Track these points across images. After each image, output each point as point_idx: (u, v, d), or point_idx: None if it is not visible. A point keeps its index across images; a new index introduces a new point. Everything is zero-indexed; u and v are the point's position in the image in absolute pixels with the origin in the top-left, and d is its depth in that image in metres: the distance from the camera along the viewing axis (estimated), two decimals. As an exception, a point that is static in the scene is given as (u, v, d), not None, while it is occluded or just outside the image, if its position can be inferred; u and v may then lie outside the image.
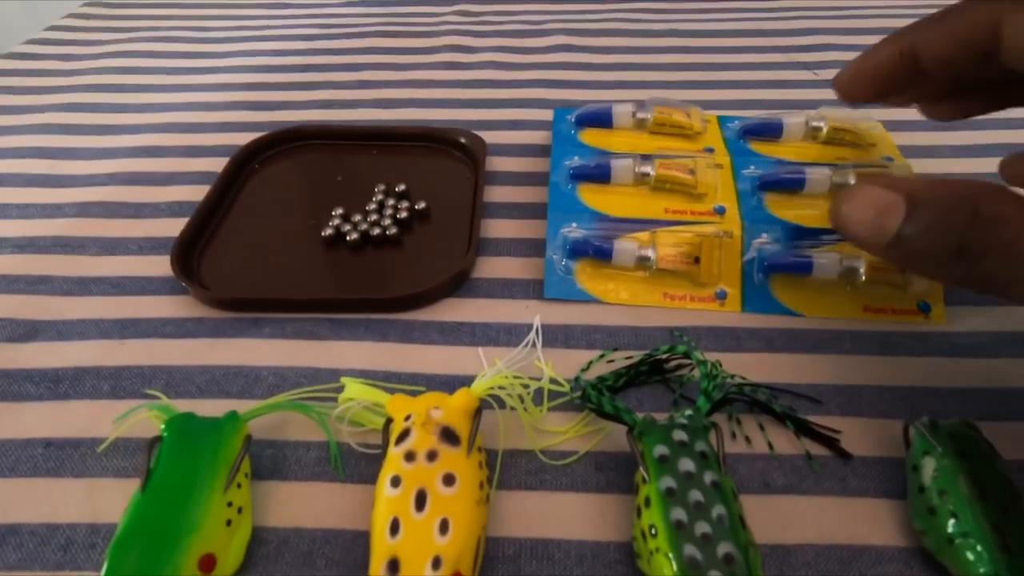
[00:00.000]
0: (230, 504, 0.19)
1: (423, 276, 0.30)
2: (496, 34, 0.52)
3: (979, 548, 0.18)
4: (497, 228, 0.33)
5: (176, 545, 0.18)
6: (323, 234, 0.32)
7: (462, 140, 0.38)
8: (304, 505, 0.22)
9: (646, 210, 0.30)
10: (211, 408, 0.23)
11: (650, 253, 0.28)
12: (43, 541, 0.21)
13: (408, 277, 0.30)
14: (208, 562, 0.18)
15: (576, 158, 0.33)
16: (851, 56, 0.23)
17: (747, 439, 0.23)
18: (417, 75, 0.47)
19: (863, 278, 0.27)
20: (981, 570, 0.18)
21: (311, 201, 0.35)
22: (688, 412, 0.21)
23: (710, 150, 0.34)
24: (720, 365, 0.24)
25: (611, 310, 0.28)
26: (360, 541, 0.21)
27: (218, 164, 0.38)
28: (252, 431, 0.22)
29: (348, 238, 0.32)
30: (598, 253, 0.29)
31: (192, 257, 0.31)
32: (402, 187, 0.35)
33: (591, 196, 0.31)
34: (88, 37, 0.54)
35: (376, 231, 0.32)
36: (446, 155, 0.38)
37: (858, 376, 0.25)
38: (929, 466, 0.20)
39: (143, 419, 0.22)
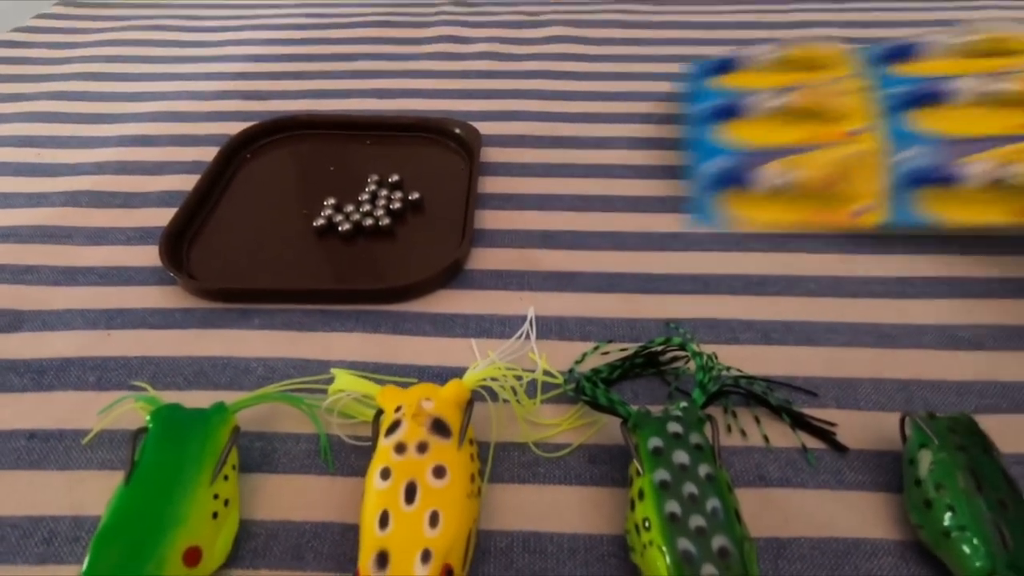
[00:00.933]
0: (216, 497, 0.19)
1: (416, 267, 0.29)
2: (492, 24, 0.51)
3: (976, 542, 0.18)
4: (492, 219, 0.32)
5: (160, 538, 0.17)
6: (315, 224, 0.32)
7: (457, 131, 0.38)
8: (293, 498, 0.21)
9: (784, 137, 0.30)
10: (199, 399, 0.23)
11: (790, 177, 0.28)
12: (25, 534, 0.20)
13: (401, 268, 0.30)
14: (193, 555, 0.18)
15: (711, 100, 0.33)
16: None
17: (742, 432, 0.23)
18: (411, 65, 0.46)
19: (1017, 179, 0.26)
20: (977, 564, 0.18)
21: (303, 191, 0.34)
22: (683, 404, 0.21)
23: (850, 76, 0.33)
24: (716, 357, 0.24)
25: (605, 300, 0.28)
26: (349, 534, 0.20)
27: (209, 153, 0.37)
28: (241, 423, 0.22)
29: (340, 228, 0.31)
30: (738, 181, 0.28)
31: (181, 247, 0.30)
32: (395, 177, 0.35)
33: (732, 131, 0.31)
34: (78, 25, 0.53)
35: (369, 221, 0.32)
36: (440, 146, 0.38)
37: (854, 369, 0.25)
38: (926, 459, 0.20)
39: (128, 411, 0.22)
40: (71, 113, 0.41)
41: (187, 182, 0.35)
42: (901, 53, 0.33)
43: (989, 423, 0.21)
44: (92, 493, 0.21)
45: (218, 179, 0.35)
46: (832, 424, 0.23)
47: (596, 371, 0.24)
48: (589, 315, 0.27)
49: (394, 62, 0.46)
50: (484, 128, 0.39)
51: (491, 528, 0.20)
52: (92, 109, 0.42)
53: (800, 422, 0.23)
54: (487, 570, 0.20)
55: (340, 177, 0.35)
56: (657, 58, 0.46)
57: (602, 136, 0.38)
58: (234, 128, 0.39)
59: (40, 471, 0.22)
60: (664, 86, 0.43)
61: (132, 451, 0.19)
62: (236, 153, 0.37)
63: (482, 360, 0.22)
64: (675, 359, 0.25)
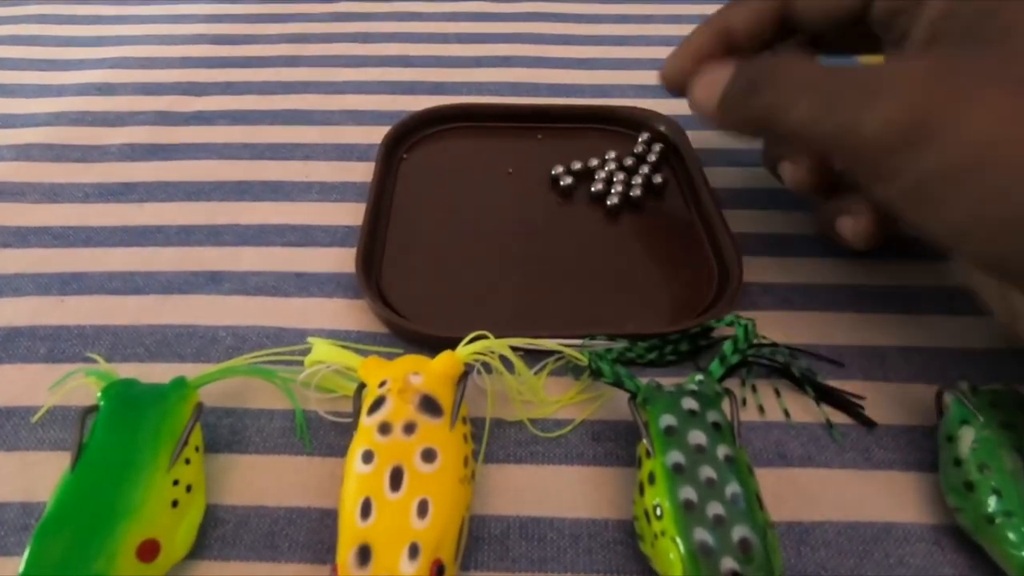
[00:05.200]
0: (176, 482, 0.17)
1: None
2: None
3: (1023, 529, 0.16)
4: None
5: (110, 531, 0.15)
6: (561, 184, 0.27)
7: (661, 128, 0.31)
8: (266, 480, 0.19)
9: None
10: (161, 373, 0.21)
11: None
12: (-32, 523, 0.18)
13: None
14: (149, 549, 0.16)
15: None
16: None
17: (760, 407, 0.21)
18: (396, 7, 0.42)
19: None
20: (1024, 553, 0.16)
21: (486, 198, 0.28)
22: (699, 378, 0.19)
23: None
24: (754, 325, 0.21)
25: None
26: (328, 520, 0.18)
27: (175, 103, 0.34)
28: (208, 398, 0.20)
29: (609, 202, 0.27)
30: None
31: (371, 268, 0.25)
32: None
33: None
34: (33, -37, 0.49)
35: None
36: (628, 139, 0.31)
37: (883, 337, 0.23)
38: (967, 437, 0.18)
39: (82, 386, 0.19)
40: (24, 59, 0.38)
41: (152, 134, 0.32)
42: None
43: (1033, 396, 0.19)
44: (44, 476, 0.19)
45: (383, 185, 0.28)
46: (859, 397, 0.21)
47: (628, 348, 0.21)
48: (592, 278, 0.25)
49: (375, 3, 0.43)
50: (475, 75, 0.36)
51: (485, 513, 0.19)
52: (47, 55, 0.38)
53: (824, 395, 0.21)
54: (481, 559, 0.18)
55: (520, 180, 0.29)
56: None
57: (604, 84, 0.35)
58: (203, 75, 0.36)
59: (-15, 452, 0.20)
60: (674, 29, 0.40)
61: (80, 433, 0.17)
62: (392, 153, 0.30)
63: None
64: (709, 330, 0.22)
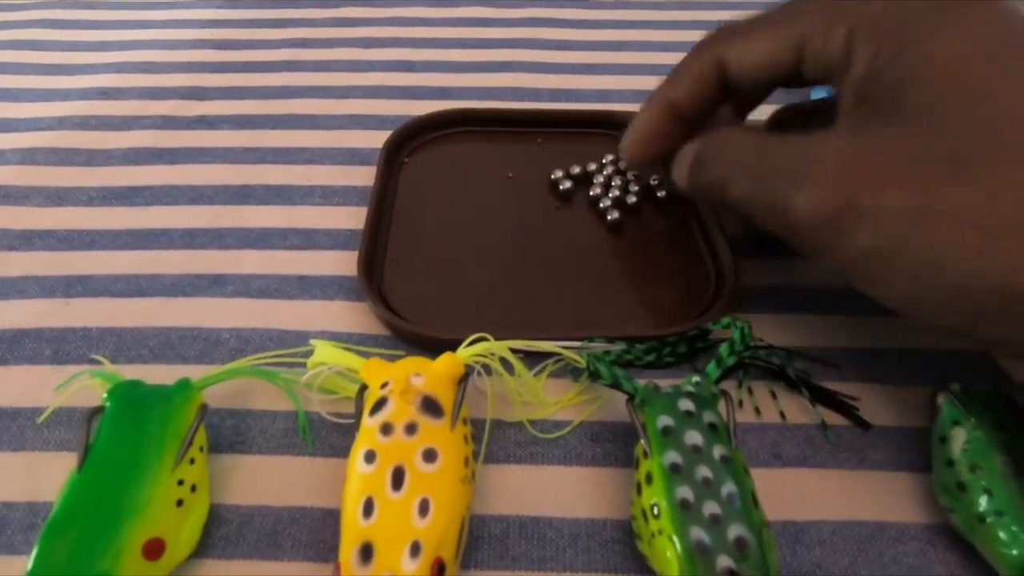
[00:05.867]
0: (181, 482, 0.17)
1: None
2: None
3: (1014, 528, 0.16)
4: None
5: (116, 530, 0.16)
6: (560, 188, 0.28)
7: None
8: (269, 480, 0.19)
9: None
10: (165, 374, 0.21)
11: None
12: (-25, 522, 0.19)
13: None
14: (155, 547, 0.16)
15: None
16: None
17: (756, 409, 0.21)
18: (397, 12, 0.43)
19: None
20: (1015, 551, 0.16)
21: (485, 203, 0.28)
22: (695, 379, 0.19)
23: None
24: (751, 327, 0.21)
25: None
26: (330, 520, 0.19)
27: (179, 107, 0.34)
28: (212, 399, 0.20)
29: (608, 215, 0.27)
30: None
31: (373, 272, 0.25)
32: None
33: None
34: (37, -31, 0.49)
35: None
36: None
37: (878, 339, 0.23)
38: (959, 437, 0.18)
39: (87, 387, 0.20)
40: (28, 64, 0.38)
41: (157, 138, 0.32)
42: None
43: (1025, 398, 0.19)
44: (49, 476, 0.20)
45: (385, 188, 0.28)
46: (854, 398, 0.21)
47: (626, 350, 0.22)
48: (591, 281, 0.25)
49: (378, 8, 0.43)
50: (476, 80, 0.36)
51: (485, 513, 0.19)
52: (52, 59, 0.39)
53: (819, 396, 0.21)
54: (481, 558, 0.18)
55: (520, 185, 0.29)
56: (665, 5, 0.43)
57: (604, 89, 0.36)
58: (207, 79, 0.37)
59: (-8, 453, 0.20)
60: (673, 35, 0.40)
61: (86, 433, 0.17)
62: (394, 157, 0.30)
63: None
64: (706, 332, 0.23)
